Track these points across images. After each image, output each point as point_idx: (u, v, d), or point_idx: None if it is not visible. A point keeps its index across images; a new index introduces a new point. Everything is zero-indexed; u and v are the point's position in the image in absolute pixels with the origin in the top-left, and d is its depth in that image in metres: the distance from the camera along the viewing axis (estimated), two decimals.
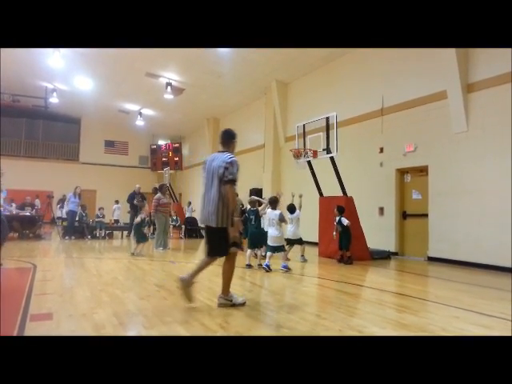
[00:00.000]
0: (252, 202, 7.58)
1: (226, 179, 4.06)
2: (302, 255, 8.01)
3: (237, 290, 5.20)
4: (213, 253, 4.17)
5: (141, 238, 8.96)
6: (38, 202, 15.97)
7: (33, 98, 16.64)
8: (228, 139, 4.51)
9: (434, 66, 8.56)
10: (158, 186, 10.42)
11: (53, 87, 16.71)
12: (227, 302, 4.19)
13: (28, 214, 12.62)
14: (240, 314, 3.89)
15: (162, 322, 3.51)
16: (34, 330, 3.26)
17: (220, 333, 3.25)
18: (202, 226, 4.35)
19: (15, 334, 3.14)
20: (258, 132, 15.13)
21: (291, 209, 7.73)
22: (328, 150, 8.55)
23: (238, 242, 4.15)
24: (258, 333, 3.30)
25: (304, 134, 9.40)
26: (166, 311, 3.94)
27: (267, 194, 12.96)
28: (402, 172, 9.55)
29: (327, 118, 8.65)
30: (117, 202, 16.50)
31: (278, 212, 6.83)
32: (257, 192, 14.13)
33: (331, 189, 9.19)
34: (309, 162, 9.24)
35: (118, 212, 16.35)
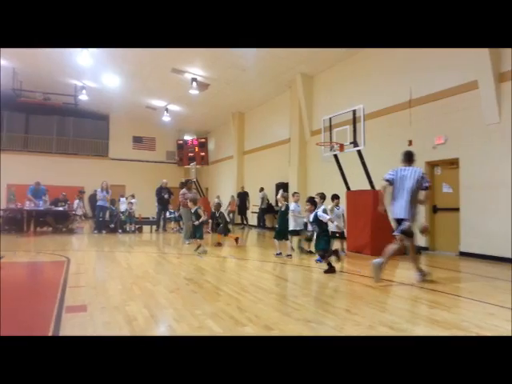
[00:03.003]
0: (285, 198, 7.89)
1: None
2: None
3: (263, 284, 5.23)
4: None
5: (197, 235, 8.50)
6: (77, 202, 16.25)
7: (63, 96, 17.09)
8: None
9: (464, 56, 8.27)
10: (184, 181, 10.54)
11: (82, 85, 17.13)
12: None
13: (61, 209, 13.03)
14: (268, 308, 3.91)
15: (192, 315, 3.57)
16: (69, 321, 3.37)
17: (249, 326, 3.28)
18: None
19: (52, 324, 3.25)
20: (283, 126, 15.06)
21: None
22: (355, 144, 8.43)
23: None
24: (286, 327, 3.30)
25: (330, 128, 9.29)
26: (195, 304, 4.00)
27: (293, 189, 12.93)
28: (431, 165, 9.31)
29: (354, 111, 8.52)
30: (133, 196, 16.53)
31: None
32: (283, 186, 14.12)
33: (358, 182, 9.07)
34: (335, 156, 9.14)
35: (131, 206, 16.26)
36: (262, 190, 15.37)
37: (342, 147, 8.81)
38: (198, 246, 8.26)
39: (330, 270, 5.95)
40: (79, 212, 16.14)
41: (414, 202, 5.29)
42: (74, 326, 3.23)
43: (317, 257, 7.05)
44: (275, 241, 7.83)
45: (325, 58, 11.96)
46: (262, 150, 16.95)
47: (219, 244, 9.70)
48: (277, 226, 8.13)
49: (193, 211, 8.52)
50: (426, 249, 9.18)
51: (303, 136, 13.71)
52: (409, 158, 5.51)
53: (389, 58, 10.32)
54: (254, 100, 16.86)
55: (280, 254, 7.65)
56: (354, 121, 8.46)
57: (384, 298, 4.58)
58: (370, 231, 8.29)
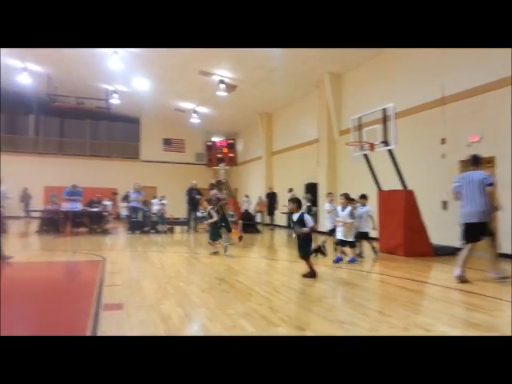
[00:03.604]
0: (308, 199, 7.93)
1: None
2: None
3: (294, 285, 5.22)
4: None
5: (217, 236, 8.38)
6: (109, 204, 16.65)
7: (96, 100, 17.59)
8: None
9: (498, 50, 7.97)
10: (214, 182, 10.62)
11: (114, 89, 17.58)
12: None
13: (96, 210, 13.43)
14: (300, 309, 3.90)
15: (225, 315, 3.61)
16: (106, 318, 3.47)
17: (282, 326, 3.28)
18: None
19: (90, 322, 3.35)
20: (311, 126, 14.97)
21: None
22: (386, 143, 8.29)
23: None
24: (319, 328, 3.29)
25: (360, 127, 9.17)
26: (227, 304, 4.05)
27: (323, 189, 12.85)
28: (466, 163, 9.02)
29: (384, 110, 8.37)
30: (163, 197, 16.72)
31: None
32: (312, 187, 14.04)
33: (388, 182, 8.90)
34: (365, 156, 9.01)
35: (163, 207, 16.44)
36: (290, 190, 15.33)
37: (372, 147, 8.67)
38: (224, 247, 8.08)
39: (311, 273, 5.60)
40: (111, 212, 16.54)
41: (486, 203, 5.30)
42: (111, 324, 3.33)
43: (349, 257, 7.01)
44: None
45: (353, 56, 11.81)
46: (290, 150, 16.91)
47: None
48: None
49: (206, 212, 8.59)
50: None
51: (332, 136, 13.58)
52: (475, 161, 5.63)
53: (419, 56, 10.08)
54: (282, 100, 16.85)
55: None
56: (385, 120, 8.31)
57: (418, 300, 4.49)
58: (403, 232, 8.12)
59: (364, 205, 7.90)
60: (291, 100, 16.49)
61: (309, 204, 8.48)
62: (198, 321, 3.56)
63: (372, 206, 8.25)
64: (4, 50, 14.15)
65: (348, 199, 7.15)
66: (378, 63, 11.61)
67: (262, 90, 15.69)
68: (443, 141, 9.28)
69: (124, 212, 18.02)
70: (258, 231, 14.13)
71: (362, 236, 7.73)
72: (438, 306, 4.13)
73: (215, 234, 8.31)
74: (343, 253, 7.14)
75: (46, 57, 15.18)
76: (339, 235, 7.05)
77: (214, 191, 9.88)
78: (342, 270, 6.38)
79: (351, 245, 7.10)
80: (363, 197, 7.99)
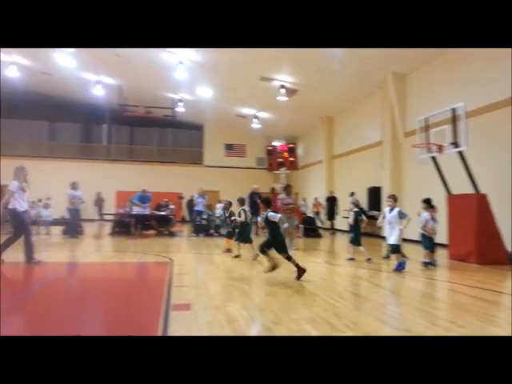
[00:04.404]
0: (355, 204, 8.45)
1: None
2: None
3: (359, 291, 5.13)
4: None
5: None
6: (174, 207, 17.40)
7: (162, 109, 18.48)
8: None
9: None
10: (283, 186, 10.57)
11: (179, 98, 18.38)
12: None
13: (163, 213, 14.09)
14: (367, 316, 3.83)
15: (290, 319, 3.63)
16: (176, 318, 3.63)
17: (348, 333, 3.25)
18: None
19: (161, 321, 3.51)
20: (374, 128, 14.59)
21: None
22: (456, 144, 7.87)
23: None
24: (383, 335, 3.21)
25: (427, 128, 8.78)
26: (292, 308, 4.07)
27: (387, 194, 12.44)
28: None
29: (453, 110, 7.96)
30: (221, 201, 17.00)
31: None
32: (375, 191, 13.67)
33: (459, 186, 8.43)
34: (433, 158, 8.62)
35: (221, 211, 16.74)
36: (352, 194, 15.01)
37: (440, 148, 8.28)
38: (253, 256, 7.81)
39: (299, 271, 5.56)
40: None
41: None
42: (180, 324, 3.47)
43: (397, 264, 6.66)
44: (350, 245, 8.07)
45: (418, 55, 11.34)
46: (352, 153, 16.59)
47: (228, 250, 8.76)
48: (352, 232, 8.22)
49: (237, 211, 8.27)
50: None
51: (396, 138, 13.13)
52: None
53: (488, 52, 9.44)
54: (343, 103, 16.61)
55: (353, 259, 7.85)
56: (454, 120, 7.90)
57: (494, 311, 4.21)
58: (476, 238, 7.66)
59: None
60: (352, 102, 16.20)
61: (356, 209, 7.90)
62: (263, 324, 3.62)
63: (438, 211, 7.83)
64: (80, 65, 15.37)
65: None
66: (445, 61, 11.06)
67: (323, 93, 15.58)
68: None
69: (190, 215, 18.69)
70: (319, 235, 14.00)
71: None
72: None
73: (244, 235, 8.07)
74: (404, 256, 6.98)
75: (118, 69, 16.28)
76: (390, 239, 6.79)
77: (281, 195, 9.82)
78: (408, 277, 6.15)
79: (396, 249, 6.72)
80: (428, 202, 7.57)
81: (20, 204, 6.73)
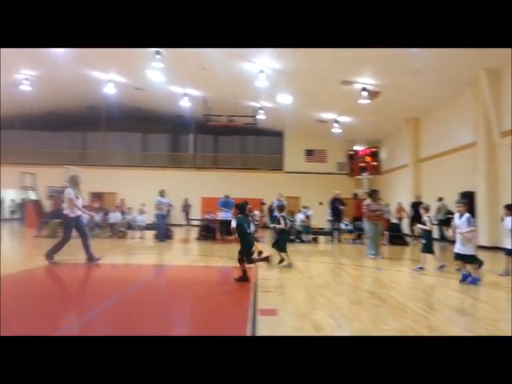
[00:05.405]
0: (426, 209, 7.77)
1: None
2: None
3: (452, 303, 4.80)
4: None
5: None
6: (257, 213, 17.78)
7: (244, 117, 19.02)
8: None
9: None
10: (370, 192, 10.31)
11: (259, 105, 18.79)
12: None
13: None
14: (463, 332, 3.59)
15: (379, 330, 3.54)
16: (263, 322, 3.70)
17: None
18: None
19: (249, 325, 3.60)
20: (465, 129, 13.59)
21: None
22: None
23: None
24: None
25: None
26: (380, 319, 3.96)
27: (481, 199, 11.55)
28: None
29: None
30: (308, 208, 16.81)
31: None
32: (468, 196, 12.70)
33: None
34: None
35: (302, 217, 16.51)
36: (440, 199, 14.08)
37: None
38: (281, 260, 7.72)
39: (243, 277, 5.81)
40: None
41: None
42: (268, 328, 3.53)
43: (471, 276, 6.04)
44: (422, 254, 7.56)
45: None
46: (440, 156, 15.59)
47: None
48: (424, 240, 7.73)
49: (277, 217, 8.12)
50: None
51: (491, 138, 12.09)
52: None
53: None
54: (429, 103, 15.70)
55: (422, 268, 7.31)
56: None
57: None
58: None
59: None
60: (440, 102, 15.25)
61: (427, 216, 7.35)
62: (351, 334, 3.56)
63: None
64: (168, 79, 16.41)
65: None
66: None
67: (407, 94, 14.89)
68: None
69: (270, 221, 18.91)
70: (405, 243, 13.35)
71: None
72: None
73: (281, 243, 7.90)
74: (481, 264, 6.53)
75: (203, 81, 17.13)
76: (460, 249, 6.15)
77: (367, 201, 9.51)
78: (504, 289, 5.62)
79: (470, 260, 6.07)
80: (508, 207, 6.88)
81: (72, 210, 7.21)
